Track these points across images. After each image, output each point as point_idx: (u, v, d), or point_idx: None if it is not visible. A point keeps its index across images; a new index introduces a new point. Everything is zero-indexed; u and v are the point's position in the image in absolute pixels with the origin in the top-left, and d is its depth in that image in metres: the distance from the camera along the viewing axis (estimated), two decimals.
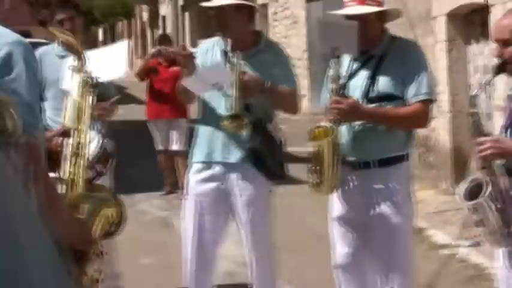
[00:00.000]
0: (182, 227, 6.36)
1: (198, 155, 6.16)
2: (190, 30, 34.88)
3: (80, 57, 4.30)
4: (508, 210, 4.64)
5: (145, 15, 45.34)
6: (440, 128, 12.09)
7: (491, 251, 8.27)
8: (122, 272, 6.98)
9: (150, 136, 12.45)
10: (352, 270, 5.71)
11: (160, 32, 38.15)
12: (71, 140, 3.89)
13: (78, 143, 3.85)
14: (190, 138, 11.70)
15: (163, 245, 8.84)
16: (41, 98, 7.01)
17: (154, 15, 42.91)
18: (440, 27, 12.55)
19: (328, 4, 20.19)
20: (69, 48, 4.44)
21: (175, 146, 11.98)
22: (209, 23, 30.57)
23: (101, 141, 5.74)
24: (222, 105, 5.94)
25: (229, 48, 5.95)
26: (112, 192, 3.03)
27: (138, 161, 12.54)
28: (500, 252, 4.90)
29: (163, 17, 40.63)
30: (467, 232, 9.48)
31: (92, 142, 5.79)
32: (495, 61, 4.87)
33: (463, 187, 4.81)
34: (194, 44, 30.13)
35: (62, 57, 7.02)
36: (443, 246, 9.04)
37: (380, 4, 5.59)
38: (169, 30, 36.37)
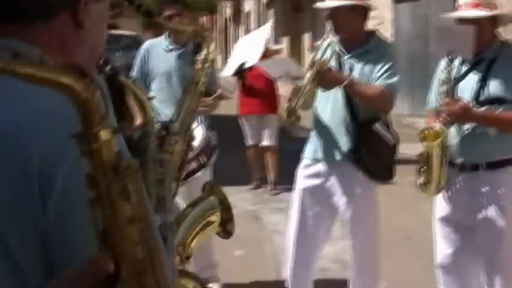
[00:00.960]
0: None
1: (307, 151, 6.21)
2: (274, 28, 34.97)
3: (207, 44, 4.35)
4: None
5: (228, 11, 45.49)
6: None
7: None
8: (217, 262, 7.03)
9: (238, 131, 12.49)
10: (454, 270, 5.69)
11: (243, 28, 38.29)
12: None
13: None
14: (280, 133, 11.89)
15: (253, 238, 8.90)
16: (149, 89, 7.21)
17: (237, 11, 43.05)
18: None
19: (417, 7, 20.33)
20: (199, 37, 4.48)
21: (265, 142, 11.95)
22: (293, 20, 30.73)
23: (205, 134, 5.82)
24: (326, 106, 6.02)
25: (340, 47, 5.99)
26: (222, 194, 3.01)
27: (227, 155, 12.64)
28: None
29: (247, 14, 40.71)
30: None
31: (197, 134, 5.90)
32: None
33: None
34: (277, 41, 30.20)
35: (170, 50, 7.22)
36: None
37: (492, 8, 5.54)
38: (252, 26, 36.45)
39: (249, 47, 6.24)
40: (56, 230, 1.56)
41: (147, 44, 7.64)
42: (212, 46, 4.35)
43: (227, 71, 9.79)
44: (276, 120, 11.02)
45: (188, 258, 2.93)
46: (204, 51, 4.33)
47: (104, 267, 1.28)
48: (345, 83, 5.73)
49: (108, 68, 2.41)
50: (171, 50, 7.29)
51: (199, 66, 4.27)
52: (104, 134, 1.26)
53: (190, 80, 4.13)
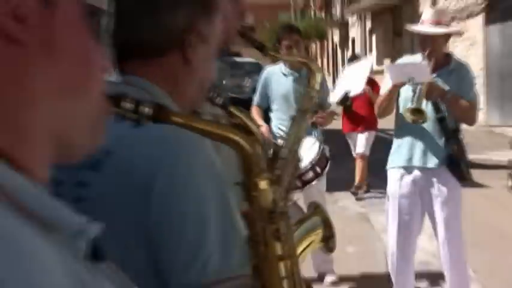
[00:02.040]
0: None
1: (398, 159, 6.19)
2: (376, 50, 34.73)
3: (313, 74, 4.39)
4: None
5: (336, 38, 45.41)
6: None
7: None
8: (332, 258, 7.06)
9: (345, 143, 12.57)
10: None
11: (350, 52, 38.16)
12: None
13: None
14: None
15: (363, 236, 8.93)
16: (270, 109, 7.40)
17: (344, 37, 42.92)
18: None
19: (506, 27, 20.01)
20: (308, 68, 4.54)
21: (359, 149, 12.01)
22: (393, 44, 30.53)
23: (320, 147, 5.90)
24: (409, 100, 5.99)
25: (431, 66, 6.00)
26: (324, 214, 2.98)
27: (336, 165, 12.64)
28: None
29: (353, 39, 40.56)
30: None
31: (313, 147, 5.98)
32: None
33: None
34: (380, 62, 30.05)
35: (287, 75, 7.37)
36: None
37: None
38: (357, 50, 36.33)
39: (353, 78, 6.30)
40: (156, 232, 1.64)
41: (267, 70, 7.78)
42: (319, 76, 4.42)
43: (333, 98, 9.84)
44: (370, 134, 11.08)
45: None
46: (312, 82, 4.41)
47: None
48: (448, 96, 5.80)
49: (219, 99, 2.49)
50: (288, 75, 7.44)
51: (307, 95, 4.35)
52: (263, 184, 1.33)
53: (299, 108, 4.20)
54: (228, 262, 1.62)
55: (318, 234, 2.82)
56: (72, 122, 1.02)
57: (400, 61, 6.31)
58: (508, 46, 19.83)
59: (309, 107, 4.22)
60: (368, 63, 6.85)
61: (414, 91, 5.87)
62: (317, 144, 5.93)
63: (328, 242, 2.79)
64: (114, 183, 1.66)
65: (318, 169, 5.78)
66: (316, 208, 2.85)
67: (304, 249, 2.69)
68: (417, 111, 5.82)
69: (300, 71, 7.35)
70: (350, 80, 5.53)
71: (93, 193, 1.69)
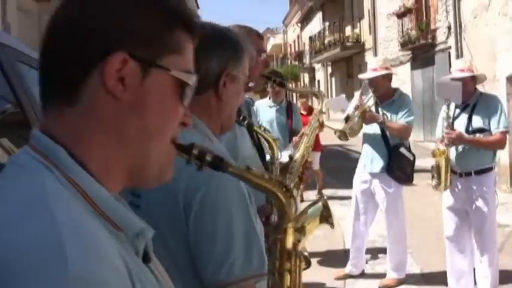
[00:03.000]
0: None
1: (359, 165, 6.29)
2: (335, 88, 34.83)
3: (322, 99, 4.43)
4: None
5: (306, 79, 45.52)
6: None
7: None
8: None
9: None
10: (456, 240, 5.62)
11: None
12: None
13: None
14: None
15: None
16: None
17: (312, 79, 43.03)
18: (502, 85, 12.20)
19: (425, 72, 20.10)
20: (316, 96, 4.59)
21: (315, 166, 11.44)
22: (347, 84, 30.65)
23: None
24: (369, 136, 6.08)
25: (376, 99, 6.05)
26: (325, 201, 2.97)
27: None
28: None
29: (318, 81, 40.68)
30: None
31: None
32: None
33: None
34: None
35: (271, 107, 7.42)
36: (506, 226, 8.74)
37: (473, 72, 5.60)
38: (322, 88, 36.40)
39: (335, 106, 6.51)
40: (193, 239, 1.59)
41: (257, 102, 7.81)
42: (325, 101, 4.42)
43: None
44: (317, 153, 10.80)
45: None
46: (320, 105, 4.43)
47: None
48: (380, 120, 5.90)
49: (245, 122, 2.45)
50: (272, 107, 7.45)
51: (315, 118, 4.33)
52: (289, 231, 1.35)
53: (300, 126, 4.20)
54: (251, 265, 1.56)
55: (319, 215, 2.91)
56: (148, 162, 1.01)
57: (332, 98, 6.47)
58: (426, 85, 19.99)
59: (316, 126, 4.26)
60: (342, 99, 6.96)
61: (352, 118, 6.02)
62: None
63: (328, 219, 2.86)
64: (162, 197, 1.59)
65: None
66: (319, 198, 2.93)
67: (313, 225, 2.76)
68: (343, 133, 6.00)
69: (280, 104, 7.42)
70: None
71: (144, 203, 1.63)
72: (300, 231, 1.40)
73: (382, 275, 6.29)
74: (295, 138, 6.33)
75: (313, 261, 6.89)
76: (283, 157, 4.95)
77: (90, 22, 0.93)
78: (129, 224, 0.95)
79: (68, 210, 0.83)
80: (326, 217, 2.92)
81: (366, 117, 5.93)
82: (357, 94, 6.34)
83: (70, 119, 0.94)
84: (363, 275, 6.41)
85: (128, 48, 0.93)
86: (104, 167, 0.95)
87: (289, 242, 1.31)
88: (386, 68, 6.12)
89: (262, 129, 2.93)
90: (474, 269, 5.61)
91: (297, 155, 3.87)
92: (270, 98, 7.62)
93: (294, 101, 15.93)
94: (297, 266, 1.32)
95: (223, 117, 1.84)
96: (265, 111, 7.45)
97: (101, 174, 0.94)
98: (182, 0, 1.03)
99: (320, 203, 2.90)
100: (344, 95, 6.49)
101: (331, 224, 2.89)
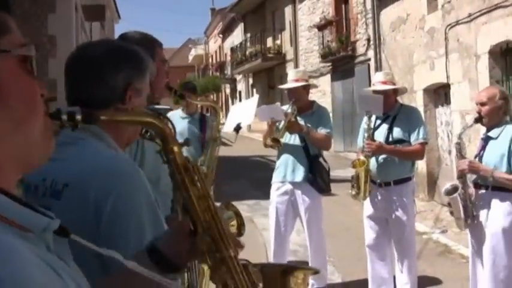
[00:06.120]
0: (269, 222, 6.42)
1: (276, 176, 6.29)
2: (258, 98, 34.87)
3: (219, 114, 4.43)
4: (468, 208, 4.85)
5: (228, 90, 45.57)
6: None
7: (454, 236, 8.38)
8: None
9: (237, 167, 12.50)
10: (376, 248, 5.76)
11: (237, 101, 38.34)
12: None
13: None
14: None
15: (249, 233, 8.81)
16: None
17: (233, 90, 43.10)
18: (419, 97, 12.57)
19: (346, 83, 20.48)
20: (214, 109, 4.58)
21: None
22: (268, 95, 30.85)
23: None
24: (288, 147, 6.13)
25: (295, 111, 6.09)
26: (236, 208, 3.02)
27: (230, 182, 12.59)
28: (468, 237, 5.06)
29: (240, 91, 40.78)
30: (438, 224, 9.52)
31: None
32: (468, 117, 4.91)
33: (445, 188, 5.07)
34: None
35: (183, 118, 7.47)
36: (424, 233, 9.01)
37: (394, 84, 5.79)
38: (243, 99, 36.50)
39: (242, 112, 6.34)
40: (105, 240, 1.59)
41: (170, 113, 7.88)
42: (221, 114, 4.43)
43: (226, 128, 9.80)
44: None
45: None
46: (218, 118, 4.44)
47: (187, 226, 1.38)
48: (304, 130, 5.97)
49: (147, 134, 2.49)
50: (184, 118, 7.52)
51: (215, 128, 4.36)
52: (176, 148, 1.37)
53: (210, 136, 4.23)
54: None
55: (234, 223, 2.92)
56: (30, 145, 1.01)
57: (264, 106, 6.49)
58: (346, 96, 20.32)
59: (217, 136, 4.28)
60: (254, 100, 6.90)
61: (277, 127, 6.05)
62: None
63: (241, 229, 2.87)
64: (72, 201, 1.67)
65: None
66: (228, 205, 2.92)
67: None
68: (276, 140, 6.00)
69: (193, 115, 7.52)
70: (239, 114, 5.60)
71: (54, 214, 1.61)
72: (187, 144, 1.49)
73: None
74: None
75: None
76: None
77: None
78: (34, 222, 0.97)
79: None
80: (240, 225, 2.96)
81: (292, 126, 5.98)
82: (278, 105, 6.38)
83: None
84: None
85: None
86: None
87: (181, 157, 1.37)
88: (306, 80, 6.24)
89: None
90: (394, 276, 5.75)
91: (204, 168, 3.93)
92: (182, 109, 7.70)
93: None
94: (197, 174, 1.38)
95: (129, 130, 1.92)
96: (177, 122, 7.41)
97: None
98: None
99: (231, 212, 2.94)
100: (279, 103, 6.50)
101: (241, 233, 2.93)
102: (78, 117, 1.24)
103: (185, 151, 1.45)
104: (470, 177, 4.94)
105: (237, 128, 5.38)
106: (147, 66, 1.97)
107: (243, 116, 5.55)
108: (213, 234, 1.36)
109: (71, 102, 1.83)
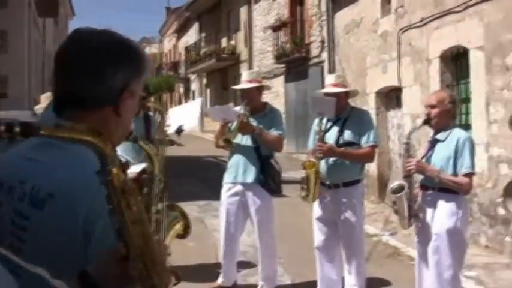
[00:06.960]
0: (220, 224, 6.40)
1: (227, 177, 6.29)
2: (210, 99, 34.89)
3: (163, 116, 4.41)
4: (412, 207, 4.94)
5: (181, 90, 45.36)
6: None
7: (403, 238, 8.49)
8: (173, 251, 6.93)
9: (189, 167, 12.44)
10: (325, 250, 5.77)
11: (191, 100, 38.18)
12: None
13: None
14: None
15: (199, 234, 8.78)
16: None
17: (187, 89, 42.93)
18: (372, 100, 12.71)
19: (299, 85, 20.58)
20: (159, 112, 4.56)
21: None
22: (222, 95, 30.85)
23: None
24: (240, 148, 6.12)
25: (248, 112, 6.10)
26: (181, 209, 3.00)
27: (182, 182, 12.53)
28: (415, 239, 5.16)
29: (193, 91, 40.65)
30: (388, 226, 9.63)
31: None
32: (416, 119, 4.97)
33: (391, 186, 5.14)
34: None
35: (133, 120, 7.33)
36: (373, 235, 9.10)
37: (346, 87, 5.82)
38: (197, 99, 36.38)
39: (185, 115, 6.32)
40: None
41: None
42: (166, 117, 4.42)
43: (170, 130, 9.79)
44: None
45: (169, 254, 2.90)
46: (162, 121, 4.42)
47: (120, 251, 1.37)
48: (256, 131, 5.97)
49: (131, 136, 2.45)
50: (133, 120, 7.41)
51: (161, 130, 4.33)
52: (115, 170, 1.35)
53: (160, 140, 4.23)
54: None
55: (180, 224, 2.88)
56: None
57: (216, 106, 6.49)
58: (299, 97, 20.41)
59: (164, 138, 4.24)
60: (197, 103, 6.87)
61: (230, 128, 6.05)
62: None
63: (187, 229, 2.85)
64: (59, 222, 1.56)
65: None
66: (173, 206, 2.88)
67: (170, 235, 2.72)
68: (228, 141, 6.01)
69: (138, 115, 7.40)
70: (183, 116, 5.57)
71: (33, 227, 1.58)
72: (125, 168, 1.49)
73: (254, 286, 6.37)
74: None
75: (185, 275, 6.86)
76: (137, 168, 4.93)
77: None
78: None
79: None
80: (186, 226, 2.94)
81: (244, 126, 5.98)
82: (231, 105, 6.37)
83: None
84: (235, 286, 6.42)
85: None
86: None
87: (119, 179, 1.34)
88: (259, 81, 6.23)
89: (146, 143, 2.90)
90: (343, 278, 5.78)
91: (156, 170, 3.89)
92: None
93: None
94: (134, 196, 1.36)
95: (118, 132, 1.81)
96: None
97: None
98: None
99: (177, 212, 2.92)
100: (232, 104, 6.48)
101: (186, 235, 2.92)
102: (17, 129, 1.21)
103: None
104: (417, 178, 5.03)
105: (179, 131, 5.37)
106: (147, 66, 1.85)
107: (187, 119, 5.53)
108: (145, 261, 1.35)
109: (60, 97, 1.71)
